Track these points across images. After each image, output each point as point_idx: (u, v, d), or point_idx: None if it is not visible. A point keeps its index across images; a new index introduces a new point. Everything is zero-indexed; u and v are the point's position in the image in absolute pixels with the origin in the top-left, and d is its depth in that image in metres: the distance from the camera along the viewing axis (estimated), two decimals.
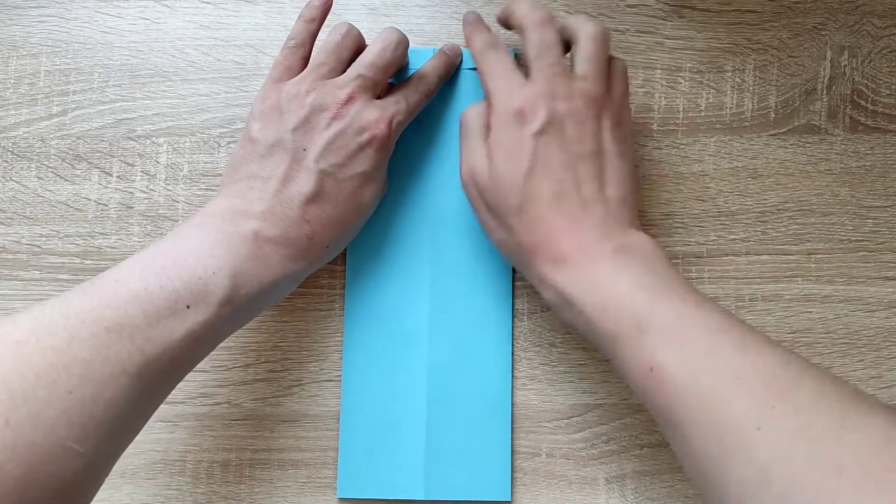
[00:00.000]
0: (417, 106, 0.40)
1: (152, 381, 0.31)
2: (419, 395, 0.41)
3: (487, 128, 0.38)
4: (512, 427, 0.42)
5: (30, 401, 0.28)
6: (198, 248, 0.33)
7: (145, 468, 0.42)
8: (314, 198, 0.36)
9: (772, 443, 0.27)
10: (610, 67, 0.38)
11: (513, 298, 0.43)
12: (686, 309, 0.32)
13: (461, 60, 0.43)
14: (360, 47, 0.40)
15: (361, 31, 0.40)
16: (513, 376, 0.42)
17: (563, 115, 0.36)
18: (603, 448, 0.42)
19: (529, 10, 0.38)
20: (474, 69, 0.43)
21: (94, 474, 0.30)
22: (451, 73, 0.42)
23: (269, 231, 0.35)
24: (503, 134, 0.36)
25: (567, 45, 0.39)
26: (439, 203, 0.43)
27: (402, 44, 0.39)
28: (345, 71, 0.38)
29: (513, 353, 0.43)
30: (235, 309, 0.34)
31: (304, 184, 0.36)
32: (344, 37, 0.39)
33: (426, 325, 0.42)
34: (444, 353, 0.42)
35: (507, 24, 0.40)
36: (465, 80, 0.43)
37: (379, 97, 0.39)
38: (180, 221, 0.43)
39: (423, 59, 0.42)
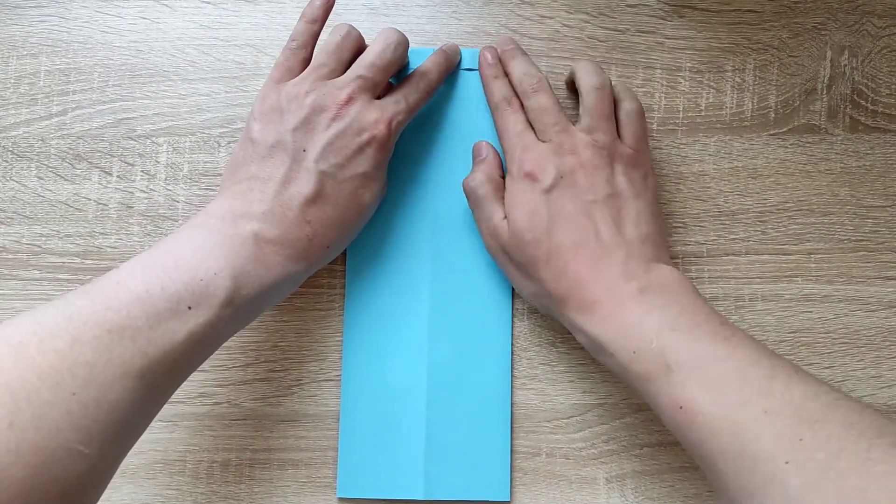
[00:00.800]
0: (418, 105, 0.40)
1: (155, 382, 0.31)
2: (419, 395, 0.41)
3: (497, 188, 0.39)
4: (512, 427, 0.42)
5: (34, 403, 0.27)
6: (199, 248, 0.34)
7: (145, 468, 0.42)
8: (314, 199, 0.36)
9: (802, 476, 0.28)
10: (619, 112, 0.40)
11: (513, 298, 0.43)
12: (713, 344, 0.32)
13: (460, 59, 0.43)
14: (360, 48, 0.40)
15: (361, 32, 0.40)
16: (513, 376, 0.42)
17: (573, 167, 0.37)
18: (603, 448, 0.42)
19: (522, 76, 0.40)
20: (472, 69, 0.43)
21: (99, 476, 0.30)
22: (451, 70, 0.42)
23: (269, 232, 0.35)
24: (518, 194, 0.38)
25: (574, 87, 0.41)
26: (439, 203, 0.43)
27: (402, 44, 0.39)
28: (345, 72, 0.38)
29: (512, 353, 0.43)
30: (237, 310, 0.34)
31: (305, 185, 0.36)
32: (344, 38, 0.39)
33: (426, 325, 0.42)
34: (444, 353, 0.42)
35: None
36: (465, 81, 0.43)
37: (379, 97, 0.39)
38: (180, 221, 0.43)
39: (422, 59, 0.42)
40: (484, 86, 0.42)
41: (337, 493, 0.41)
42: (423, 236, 0.42)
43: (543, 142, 0.38)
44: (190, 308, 0.32)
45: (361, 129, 0.37)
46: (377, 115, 0.37)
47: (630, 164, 0.38)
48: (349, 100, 0.37)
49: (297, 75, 0.38)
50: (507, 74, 0.42)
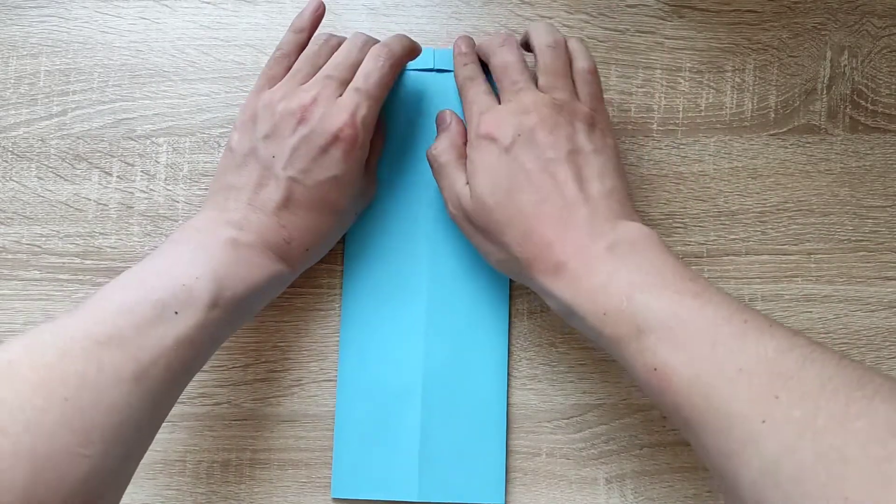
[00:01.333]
0: (381, 85, 0.38)
1: (152, 386, 0.31)
2: (414, 396, 0.41)
3: (459, 156, 0.39)
4: (508, 429, 0.42)
5: (26, 410, 0.28)
6: (179, 258, 0.35)
7: (145, 468, 0.42)
8: (285, 204, 0.37)
9: (778, 435, 0.27)
10: (574, 72, 0.39)
11: (510, 300, 0.43)
12: (684, 302, 0.31)
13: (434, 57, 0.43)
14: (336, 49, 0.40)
15: (361, 32, 0.40)
16: (512, 376, 0.42)
17: (532, 126, 0.36)
18: (603, 448, 0.42)
19: (489, 39, 0.40)
20: (440, 69, 0.43)
21: (108, 479, 0.30)
22: (415, 53, 0.41)
23: (246, 237, 0.36)
24: (478, 158, 0.37)
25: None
26: (436, 204, 0.43)
27: (369, 43, 0.39)
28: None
29: (509, 355, 0.43)
30: (224, 311, 0.34)
31: (274, 191, 0.37)
32: (321, 45, 0.39)
33: (423, 326, 0.42)
34: (441, 354, 0.42)
35: (482, 59, 0.42)
36: (440, 81, 0.43)
37: None
38: (180, 221, 0.43)
39: (420, 58, 0.42)
40: (454, 70, 0.42)
41: (331, 494, 0.41)
42: (421, 237, 0.42)
43: (502, 104, 0.38)
44: (177, 313, 0.33)
45: (325, 131, 0.37)
46: (339, 114, 0.37)
47: (588, 121, 0.37)
48: (313, 101, 0.37)
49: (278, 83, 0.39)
50: (481, 58, 0.41)
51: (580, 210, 0.35)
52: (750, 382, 0.28)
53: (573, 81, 0.39)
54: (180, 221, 0.43)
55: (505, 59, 0.38)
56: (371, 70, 0.38)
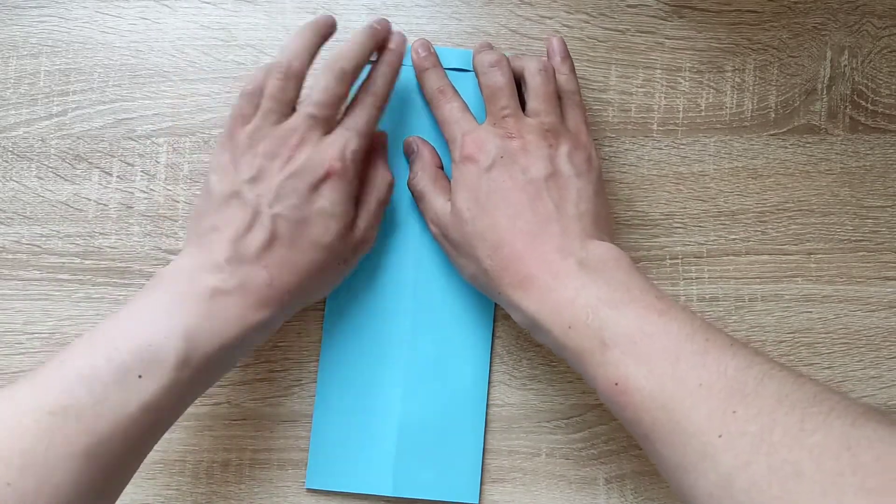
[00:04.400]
0: (369, 124, 0.39)
1: (107, 461, 0.30)
2: (394, 393, 0.42)
3: (435, 178, 0.40)
4: (489, 431, 0.42)
5: None
6: (149, 313, 0.33)
7: (145, 468, 0.42)
8: (269, 242, 0.35)
9: (734, 449, 0.27)
10: (562, 97, 0.40)
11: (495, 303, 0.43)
12: (649, 319, 0.32)
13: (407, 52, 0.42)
14: (303, 77, 0.38)
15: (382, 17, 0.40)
16: (512, 376, 0.42)
17: (515, 149, 0.37)
18: (603, 448, 0.42)
19: (482, 55, 0.40)
20: (465, 70, 0.43)
21: None
22: (398, 72, 0.41)
23: (227, 283, 0.34)
24: (460, 179, 0.38)
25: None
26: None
27: (349, 73, 0.38)
28: (294, 108, 0.38)
29: (492, 355, 0.43)
30: (195, 370, 0.33)
31: (259, 229, 0.35)
32: (285, 79, 0.37)
33: (407, 324, 0.42)
34: (423, 352, 0.42)
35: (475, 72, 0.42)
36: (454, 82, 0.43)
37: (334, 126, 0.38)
38: (180, 221, 0.43)
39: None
40: (417, 77, 0.42)
41: (306, 484, 0.41)
42: (407, 236, 0.42)
43: (486, 124, 0.38)
44: (140, 377, 0.31)
45: (315, 169, 0.36)
46: (329, 152, 0.37)
47: (573, 145, 0.38)
48: (301, 142, 0.36)
49: (251, 122, 0.37)
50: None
51: (552, 227, 0.35)
52: (709, 397, 0.29)
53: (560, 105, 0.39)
54: (180, 221, 0.43)
55: (496, 80, 0.39)
56: (359, 114, 0.38)
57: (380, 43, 0.40)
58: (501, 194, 0.36)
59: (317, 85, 0.37)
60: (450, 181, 0.40)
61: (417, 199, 0.41)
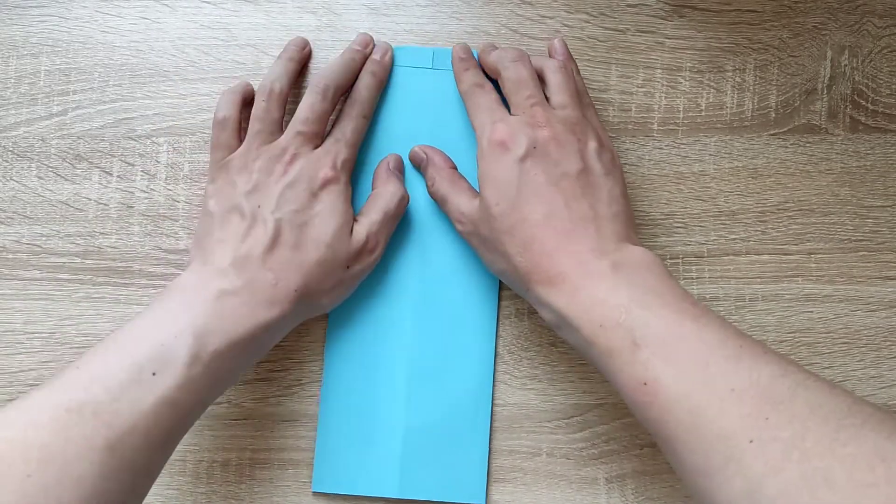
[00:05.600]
0: (357, 133, 0.41)
1: (130, 455, 0.30)
2: (399, 394, 0.41)
3: (453, 178, 0.40)
4: (491, 431, 0.42)
5: None
6: (159, 318, 0.34)
7: None
8: (273, 244, 0.36)
9: (765, 455, 0.27)
10: (579, 96, 0.40)
11: (503, 301, 0.43)
12: (682, 322, 0.32)
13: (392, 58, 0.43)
14: (285, 99, 0.40)
15: (364, 32, 0.40)
16: (513, 376, 0.42)
17: (546, 140, 0.36)
18: (603, 448, 0.42)
19: (501, 52, 0.40)
20: (438, 69, 0.43)
21: None
22: (384, 81, 0.42)
23: (233, 284, 0.35)
24: (490, 167, 0.37)
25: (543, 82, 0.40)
26: (427, 202, 0.43)
27: (331, 90, 0.40)
28: (281, 128, 0.40)
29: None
30: (207, 367, 0.33)
31: (262, 234, 0.37)
32: (268, 101, 0.40)
33: (410, 325, 0.42)
34: (427, 354, 0.42)
35: (488, 72, 0.42)
36: (441, 81, 0.43)
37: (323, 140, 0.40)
38: (181, 221, 0.43)
39: (419, 56, 0.43)
40: (456, 78, 0.42)
41: (312, 488, 0.41)
42: (411, 235, 0.42)
43: (515, 116, 0.38)
44: (154, 374, 0.32)
45: (311, 178, 0.38)
46: (321, 163, 0.39)
47: (599, 142, 0.38)
48: (293, 157, 0.38)
49: (236, 147, 0.39)
50: (485, 69, 0.42)
51: (588, 227, 0.35)
52: (741, 403, 0.28)
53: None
54: (180, 221, 0.43)
55: (519, 73, 0.39)
56: (346, 125, 0.40)
57: (367, 55, 0.42)
58: (534, 189, 0.36)
59: (303, 104, 0.40)
60: (467, 180, 0.40)
61: (440, 203, 0.41)
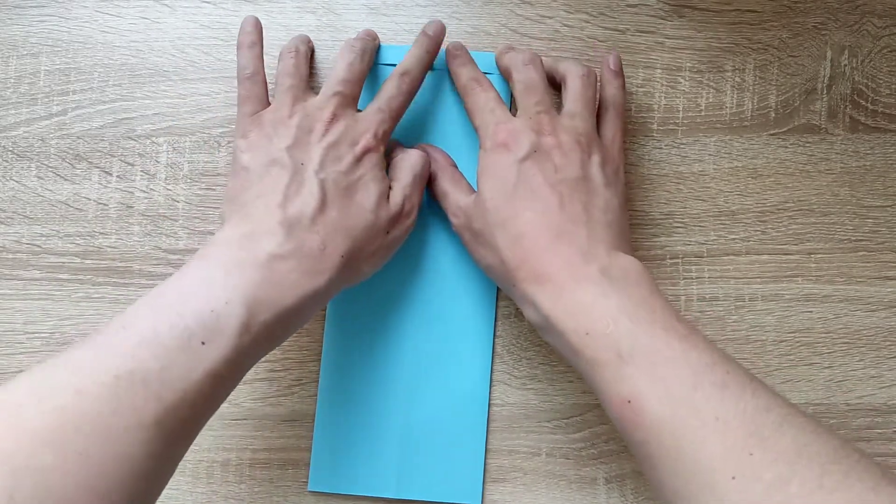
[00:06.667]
0: (402, 106, 0.40)
1: (174, 429, 0.29)
2: (397, 395, 0.42)
3: (454, 176, 0.40)
4: (490, 431, 0.42)
5: (34, 470, 0.25)
6: (207, 279, 0.32)
7: None
8: (321, 207, 0.35)
9: (745, 493, 0.27)
10: (601, 107, 0.40)
11: (497, 301, 0.43)
12: (669, 341, 0.31)
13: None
14: (311, 56, 0.41)
15: (368, 29, 0.40)
16: (513, 376, 0.42)
17: (550, 146, 0.36)
18: (603, 448, 0.42)
19: (515, 54, 0.40)
20: (437, 68, 0.43)
21: None
22: (434, 58, 0.42)
23: (283, 247, 0.33)
24: (490, 166, 0.37)
25: (556, 85, 0.41)
26: (426, 205, 0.42)
27: (368, 52, 0.40)
28: (309, 85, 0.40)
29: (494, 355, 0.43)
30: (254, 339, 0.32)
31: (308, 193, 0.35)
32: (296, 58, 0.39)
33: (407, 326, 0.42)
34: (424, 354, 0.42)
35: (501, 72, 0.42)
36: (439, 80, 0.43)
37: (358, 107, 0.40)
38: (180, 221, 0.43)
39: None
40: (452, 74, 0.42)
41: (308, 487, 0.41)
42: (409, 238, 0.42)
43: (520, 118, 0.38)
44: (203, 343, 0.30)
45: (354, 142, 0.37)
46: (364, 127, 0.38)
47: (605, 156, 0.38)
48: (333, 117, 0.37)
49: (265, 100, 0.39)
50: (500, 71, 0.42)
51: (579, 230, 0.35)
52: (725, 433, 0.28)
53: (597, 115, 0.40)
54: (180, 221, 0.43)
55: (531, 77, 0.39)
56: (394, 94, 0.39)
57: (374, 50, 0.42)
58: (530, 187, 0.36)
59: (339, 62, 0.39)
60: (467, 179, 0.41)
61: (440, 198, 0.41)
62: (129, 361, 0.28)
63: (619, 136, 0.39)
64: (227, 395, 0.33)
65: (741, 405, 0.29)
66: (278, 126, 0.37)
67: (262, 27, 0.40)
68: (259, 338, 0.32)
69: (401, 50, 0.43)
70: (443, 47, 0.42)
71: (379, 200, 0.37)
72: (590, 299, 0.33)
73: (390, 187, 0.39)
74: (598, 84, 0.41)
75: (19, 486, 0.24)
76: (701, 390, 0.29)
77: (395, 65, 0.42)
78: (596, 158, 0.37)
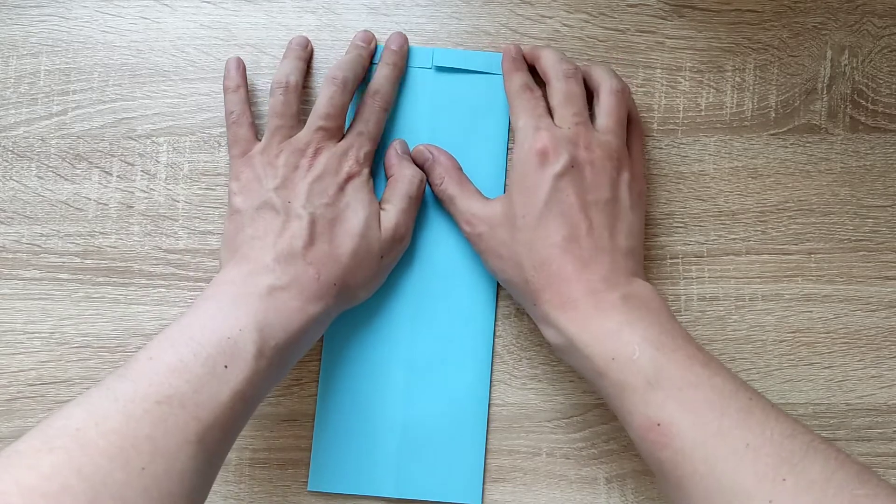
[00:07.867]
0: (378, 126, 0.41)
1: (212, 446, 0.31)
2: (396, 394, 0.42)
3: (461, 180, 0.41)
4: (490, 430, 0.42)
5: (110, 486, 0.27)
6: (218, 312, 0.34)
7: None
8: (310, 240, 0.37)
9: None
10: (630, 125, 0.40)
11: (497, 301, 0.43)
12: (693, 367, 0.32)
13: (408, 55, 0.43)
14: (300, 92, 0.41)
15: (365, 30, 0.40)
16: (513, 376, 0.42)
17: (584, 161, 0.37)
18: (603, 447, 0.42)
19: (557, 62, 0.40)
20: (438, 68, 0.43)
21: None
22: (402, 72, 0.43)
23: (281, 280, 0.36)
24: (525, 174, 0.38)
25: (589, 93, 0.41)
26: (428, 200, 0.43)
27: (350, 81, 0.40)
28: (300, 121, 0.40)
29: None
30: (269, 362, 0.34)
31: (298, 229, 0.37)
32: (285, 93, 0.40)
33: (407, 325, 0.42)
34: (424, 353, 0.42)
35: (533, 65, 0.42)
36: (439, 80, 0.43)
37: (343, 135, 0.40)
38: (180, 221, 0.43)
39: (419, 57, 0.43)
40: (504, 77, 0.42)
41: (308, 486, 0.41)
42: (411, 237, 0.42)
43: (560, 127, 0.38)
44: (226, 367, 0.32)
45: (337, 172, 0.39)
46: (345, 156, 0.39)
47: (632, 175, 0.39)
48: (317, 151, 0.39)
49: (253, 142, 0.40)
50: (534, 67, 0.42)
51: (604, 258, 0.36)
52: (756, 460, 0.29)
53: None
54: (180, 221, 0.43)
55: (572, 89, 0.39)
56: (368, 117, 0.41)
57: (372, 52, 0.42)
58: (562, 210, 0.36)
59: (321, 97, 0.40)
60: (472, 183, 0.41)
61: (446, 202, 0.41)
62: (165, 388, 0.30)
63: (643, 154, 0.41)
64: (251, 413, 0.35)
65: (767, 432, 0.30)
66: (266, 167, 0.39)
67: (245, 67, 0.42)
68: (273, 361, 0.34)
69: (416, 51, 0.43)
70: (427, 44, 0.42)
71: (367, 223, 0.38)
72: (615, 326, 0.34)
73: (384, 208, 0.40)
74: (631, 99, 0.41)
75: (99, 501, 0.26)
76: (728, 417, 0.30)
77: (412, 67, 0.43)
78: (626, 176, 0.38)
